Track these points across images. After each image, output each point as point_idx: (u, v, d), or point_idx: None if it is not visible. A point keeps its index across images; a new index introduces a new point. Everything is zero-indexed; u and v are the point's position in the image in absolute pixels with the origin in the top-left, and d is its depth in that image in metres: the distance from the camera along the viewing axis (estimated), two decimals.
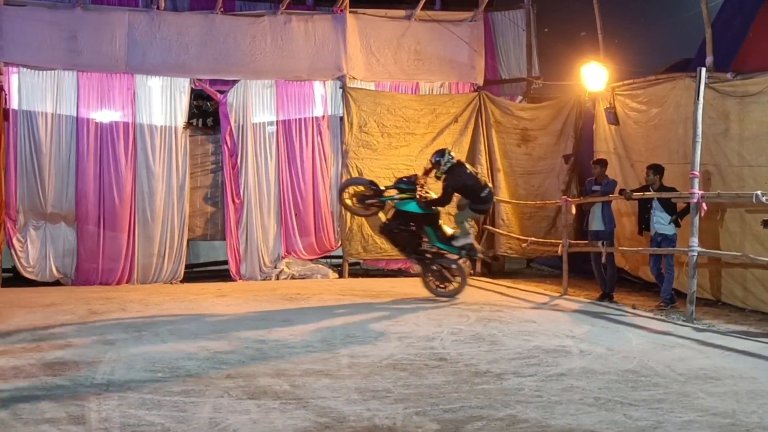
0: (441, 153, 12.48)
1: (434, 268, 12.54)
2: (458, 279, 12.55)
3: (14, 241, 14.04)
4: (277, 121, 15.44)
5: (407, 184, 12.44)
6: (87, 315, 10.87)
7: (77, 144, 14.41)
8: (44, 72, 14.33)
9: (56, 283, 14.21)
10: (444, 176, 12.32)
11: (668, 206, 11.73)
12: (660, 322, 10.65)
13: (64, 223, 14.35)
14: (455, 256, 12.50)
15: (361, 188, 12.78)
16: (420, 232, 12.39)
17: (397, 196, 12.35)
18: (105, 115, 14.65)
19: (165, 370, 7.60)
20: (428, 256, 12.50)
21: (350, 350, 8.58)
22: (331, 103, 15.73)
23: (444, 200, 12.41)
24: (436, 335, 9.43)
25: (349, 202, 12.71)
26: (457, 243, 12.41)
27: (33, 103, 14.28)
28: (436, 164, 12.38)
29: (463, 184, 12.39)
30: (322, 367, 7.82)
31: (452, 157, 12.42)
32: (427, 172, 12.68)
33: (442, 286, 12.57)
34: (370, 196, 12.55)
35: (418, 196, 12.32)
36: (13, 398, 6.57)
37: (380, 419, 6.08)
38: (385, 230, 12.59)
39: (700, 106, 11.00)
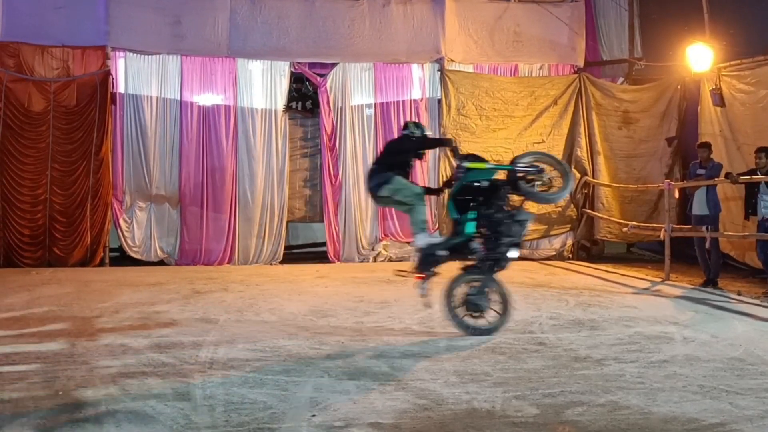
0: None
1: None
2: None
3: (121, 221, 14.50)
4: (375, 104, 15.51)
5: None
6: (190, 294, 11.15)
7: (181, 127, 14.77)
8: (149, 56, 14.73)
9: (160, 262, 14.63)
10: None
11: None
12: (767, 310, 10.34)
13: (169, 204, 14.73)
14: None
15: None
16: None
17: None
18: (207, 99, 14.97)
19: (266, 350, 7.73)
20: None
21: (448, 333, 8.57)
22: (429, 85, 15.74)
23: None
24: (534, 319, 9.35)
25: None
26: None
27: (139, 87, 14.71)
28: None
29: None
30: (420, 349, 7.84)
31: None
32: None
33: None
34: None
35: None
36: (121, 374, 6.78)
37: (479, 402, 6.06)
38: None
39: None
